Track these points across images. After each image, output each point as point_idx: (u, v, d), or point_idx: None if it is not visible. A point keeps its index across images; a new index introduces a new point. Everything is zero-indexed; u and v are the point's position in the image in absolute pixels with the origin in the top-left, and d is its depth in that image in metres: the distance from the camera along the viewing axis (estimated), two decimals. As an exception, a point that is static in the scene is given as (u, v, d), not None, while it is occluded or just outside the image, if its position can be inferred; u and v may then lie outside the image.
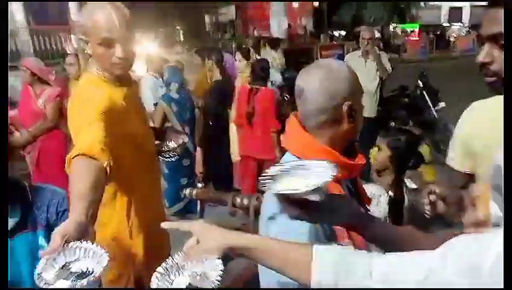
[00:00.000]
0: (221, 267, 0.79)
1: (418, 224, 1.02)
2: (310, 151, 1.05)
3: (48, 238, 1.22)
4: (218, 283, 0.76)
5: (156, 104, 3.81)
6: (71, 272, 0.84)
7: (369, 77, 4.30)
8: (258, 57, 4.50)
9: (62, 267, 0.85)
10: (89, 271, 0.84)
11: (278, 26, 17.40)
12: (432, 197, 1.03)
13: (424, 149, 2.90)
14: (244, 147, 3.80)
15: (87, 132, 1.32)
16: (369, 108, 4.52)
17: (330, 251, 0.76)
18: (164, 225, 0.87)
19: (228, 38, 21.64)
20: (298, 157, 1.06)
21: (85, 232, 0.93)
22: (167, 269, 0.81)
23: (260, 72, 3.63)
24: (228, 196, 2.71)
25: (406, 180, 2.09)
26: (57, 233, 0.88)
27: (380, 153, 1.98)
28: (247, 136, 3.73)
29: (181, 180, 3.85)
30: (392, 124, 4.97)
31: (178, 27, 43.37)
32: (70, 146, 3.57)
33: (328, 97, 1.04)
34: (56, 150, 3.44)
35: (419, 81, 5.30)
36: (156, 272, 0.80)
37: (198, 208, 3.38)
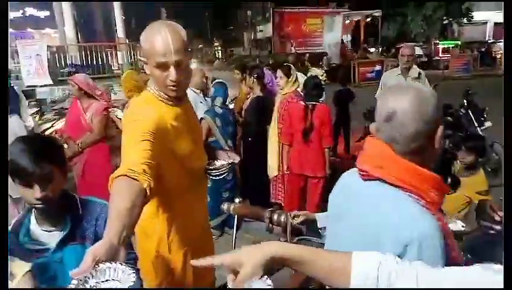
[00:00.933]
0: (269, 282, 0.82)
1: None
2: (416, 178, 0.97)
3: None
4: None
5: (201, 119, 3.89)
6: None
7: None
8: (299, 74, 4.49)
9: (92, 287, 0.88)
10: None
11: (330, 41, 17.25)
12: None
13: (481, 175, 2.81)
14: (296, 164, 3.75)
15: (132, 152, 1.34)
16: None
17: (369, 258, 0.76)
18: (193, 262, 0.88)
19: (266, 55, 21.91)
20: (395, 186, 0.99)
21: (116, 254, 0.96)
22: None
23: (314, 89, 3.62)
24: (265, 212, 2.68)
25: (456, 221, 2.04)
26: (89, 254, 0.91)
27: None
28: (300, 153, 3.69)
29: (223, 195, 3.89)
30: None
31: (216, 44, 44.51)
32: (115, 158, 3.68)
33: (425, 121, 0.98)
34: (101, 162, 3.57)
35: (464, 100, 5.12)
36: None
37: (235, 223, 3.39)
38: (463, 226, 2.19)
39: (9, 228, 1.38)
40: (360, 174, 1.09)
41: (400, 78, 4.27)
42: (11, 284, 1.18)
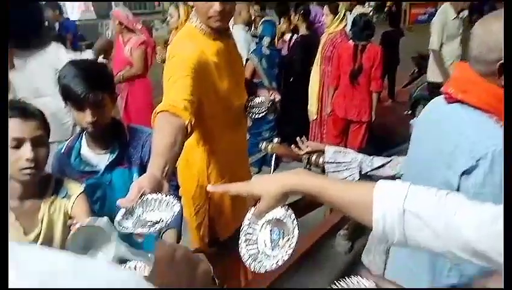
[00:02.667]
0: (290, 211, 0.84)
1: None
2: (499, 100, 0.93)
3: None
4: (297, 223, 0.81)
5: (247, 60, 3.83)
6: (147, 221, 0.93)
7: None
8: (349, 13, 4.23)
9: (139, 217, 0.94)
10: (162, 220, 0.92)
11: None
12: None
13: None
14: (340, 108, 3.63)
15: (174, 88, 1.36)
16: None
17: (395, 186, 0.72)
18: (210, 188, 0.93)
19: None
20: (477, 108, 0.98)
21: (160, 186, 1.00)
22: (246, 232, 0.87)
23: (364, 28, 3.37)
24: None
25: None
26: (134, 186, 0.96)
27: None
28: (345, 96, 3.56)
29: (263, 134, 3.91)
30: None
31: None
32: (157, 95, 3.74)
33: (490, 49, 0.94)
34: (142, 98, 3.64)
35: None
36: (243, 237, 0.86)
37: (273, 162, 3.44)
38: None
39: (62, 151, 1.48)
40: (444, 97, 1.08)
41: (455, 22, 3.99)
42: (69, 205, 1.27)
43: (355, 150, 3.70)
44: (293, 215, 0.84)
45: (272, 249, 0.84)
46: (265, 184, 0.82)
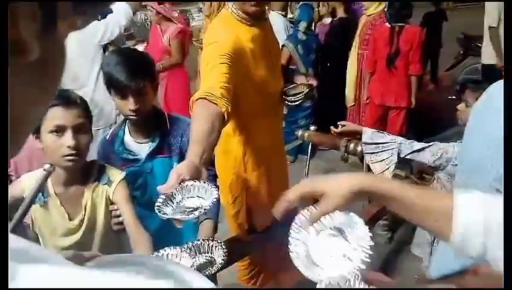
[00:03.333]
0: (357, 218, 0.76)
1: None
2: None
3: (180, 164, 1.35)
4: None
5: (282, 46, 3.78)
6: (186, 207, 0.95)
7: None
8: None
9: (178, 203, 0.95)
10: (201, 205, 0.93)
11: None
12: None
13: None
14: (377, 94, 3.50)
15: (210, 75, 1.37)
16: None
17: (477, 196, 0.66)
18: (275, 214, 0.80)
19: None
20: None
21: (198, 173, 1.01)
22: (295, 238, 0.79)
23: (401, 8, 3.21)
24: (341, 141, 2.62)
25: None
26: (173, 173, 0.97)
27: (469, 110, 1.69)
28: (382, 82, 3.42)
29: (299, 121, 3.86)
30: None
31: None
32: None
33: None
34: (180, 87, 3.68)
35: None
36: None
37: (309, 150, 3.39)
38: None
39: (107, 137, 1.53)
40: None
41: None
42: (110, 191, 1.31)
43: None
44: (359, 223, 0.76)
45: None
46: (332, 181, 0.73)
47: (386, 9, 3.55)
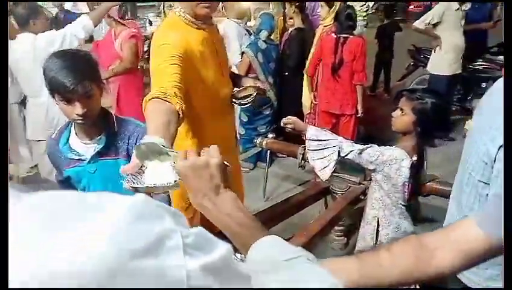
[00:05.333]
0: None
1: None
2: None
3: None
4: None
5: (242, 54, 3.79)
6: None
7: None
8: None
9: (143, 183, 0.93)
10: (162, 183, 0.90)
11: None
12: None
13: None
14: (324, 102, 3.63)
15: (162, 75, 1.35)
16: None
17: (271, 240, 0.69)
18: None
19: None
20: None
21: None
22: None
23: (346, 20, 3.35)
24: (298, 148, 2.66)
25: None
26: (134, 156, 0.95)
27: (403, 117, 1.80)
28: (328, 89, 3.55)
29: (259, 129, 3.87)
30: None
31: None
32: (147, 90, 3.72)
33: None
34: (134, 91, 3.57)
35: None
36: None
37: (268, 158, 3.42)
38: None
39: (53, 136, 1.51)
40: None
41: (458, 13, 4.11)
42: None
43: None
44: None
45: None
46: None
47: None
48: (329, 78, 3.50)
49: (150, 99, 1.23)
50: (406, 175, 1.76)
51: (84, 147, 1.44)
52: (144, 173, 0.93)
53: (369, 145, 1.84)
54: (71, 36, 2.70)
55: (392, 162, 1.76)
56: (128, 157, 1.40)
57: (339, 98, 3.51)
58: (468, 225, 0.79)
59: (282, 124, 1.98)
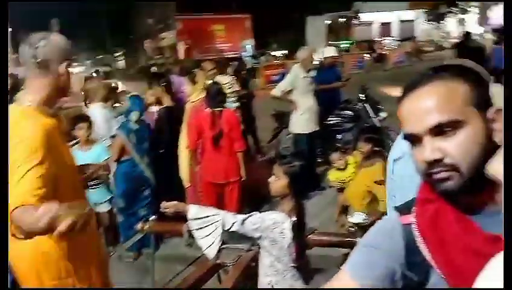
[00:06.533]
0: None
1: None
2: None
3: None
4: None
5: (113, 136, 3.63)
6: None
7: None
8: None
9: None
10: None
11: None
12: None
13: (379, 165, 2.86)
14: (208, 173, 3.69)
15: (23, 180, 1.27)
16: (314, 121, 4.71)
17: None
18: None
19: (171, 63, 21.39)
20: None
21: None
22: None
23: (217, 95, 3.60)
24: (183, 226, 2.58)
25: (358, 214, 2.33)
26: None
27: (278, 182, 1.99)
28: (211, 161, 3.65)
29: (139, 213, 3.64)
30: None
31: (117, 54, 42.53)
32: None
33: None
34: None
35: (361, 95, 5.50)
36: None
37: (153, 241, 3.20)
38: (364, 219, 2.35)
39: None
40: None
41: (305, 79, 4.67)
42: None
43: (235, 211, 3.75)
44: None
45: None
46: None
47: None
48: (211, 150, 3.61)
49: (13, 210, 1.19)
50: (289, 236, 1.84)
51: None
52: None
53: (251, 213, 1.89)
54: None
55: (274, 226, 1.83)
56: None
57: (223, 167, 3.63)
58: (344, 277, 0.83)
59: (161, 210, 1.94)
